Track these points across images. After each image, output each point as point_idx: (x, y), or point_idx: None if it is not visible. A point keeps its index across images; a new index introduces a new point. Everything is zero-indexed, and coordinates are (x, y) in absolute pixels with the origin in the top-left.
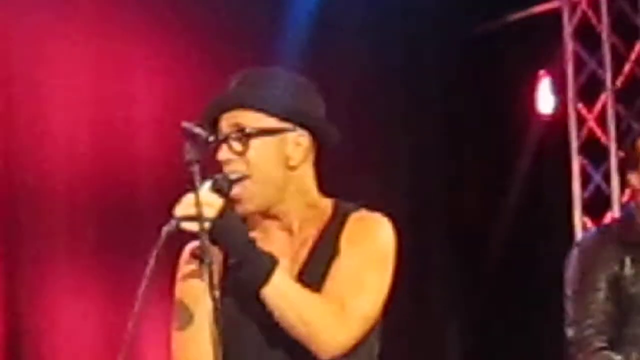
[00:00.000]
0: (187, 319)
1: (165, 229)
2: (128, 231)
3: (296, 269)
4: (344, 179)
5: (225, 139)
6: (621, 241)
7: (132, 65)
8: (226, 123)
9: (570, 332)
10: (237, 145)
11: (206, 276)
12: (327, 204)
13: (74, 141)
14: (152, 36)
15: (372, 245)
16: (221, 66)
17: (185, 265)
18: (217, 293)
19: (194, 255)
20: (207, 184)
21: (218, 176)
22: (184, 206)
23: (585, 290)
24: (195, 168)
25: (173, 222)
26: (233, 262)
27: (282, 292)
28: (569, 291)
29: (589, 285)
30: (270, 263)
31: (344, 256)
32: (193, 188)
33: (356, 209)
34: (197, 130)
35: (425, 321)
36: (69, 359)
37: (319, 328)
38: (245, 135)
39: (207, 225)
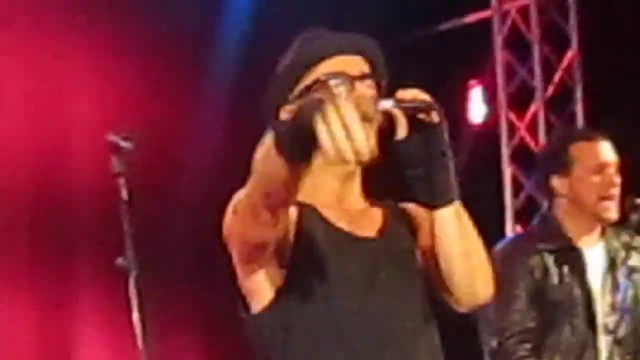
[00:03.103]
0: None
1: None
2: (61, 244)
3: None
4: None
5: (375, 77)
6: (542, 248)
7: (68, 77)
8: (352, 64)
9: (493, 342)
10: (370, 89)
11: None
12: None
13: (6, 154)
14: (87, 47)
15: None
16: (155, 77)
17: None
18: None
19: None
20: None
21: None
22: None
23: (508, 299)
24: (122, 181)
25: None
26: (418, 174)
27: (464, 213)
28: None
29: (511, 294)
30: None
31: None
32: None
33: None
34: (123, 143)
35: None
36: None
37: (484, 266)
38: (378, 83)
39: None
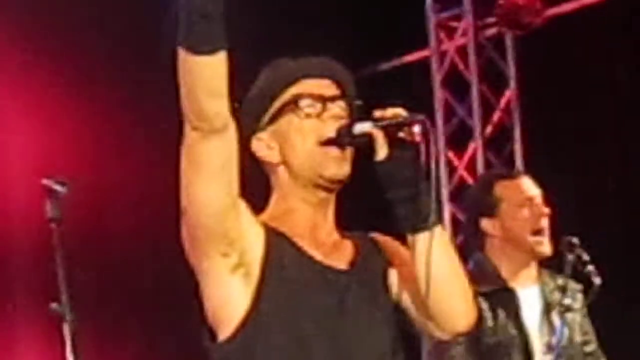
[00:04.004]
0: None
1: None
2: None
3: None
4: None
5: (347, 99)
6: (475, 292)
7: (2, 118)
8: (322, 86)
9: None
10: (342, 110)
11: None
12: None
13: None
14: (27, 83)
15: None
16: (89, 119)
17: None
18: None
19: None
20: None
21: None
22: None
23: (445, 346)
24: (55, 225)
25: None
26: (402, 196)
27: (446, 236)
28: (429, 346)
29: (448, 340)
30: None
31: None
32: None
33: None
34: (58, 187)
35: None
36: None
37: (466, 291)
38: (350, 104)
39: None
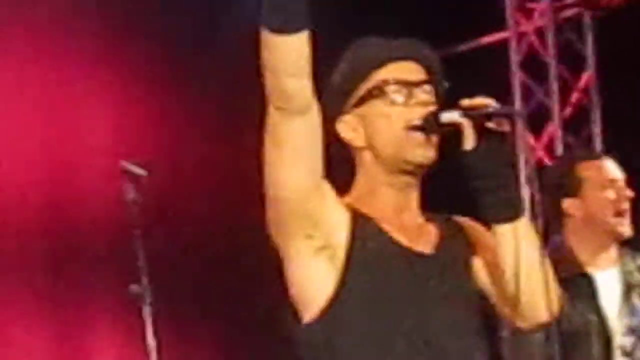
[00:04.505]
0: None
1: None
2: (77, 271)
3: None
4: None
5: (434, 83)
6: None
7: (81, 104)
8: (408, 70)
9: None
10: (429, 95)
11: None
12: None
13: (22, 184)
14: (100, 72)
15: None
16: (165, 104)
17: None
18: None
19: None
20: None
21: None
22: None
23: (524, 334)
24: (135, 209)
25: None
26: (488, 186)
27: (531, 227)
28: (505, 332)
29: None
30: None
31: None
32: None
33: None
34: (137, 169)
35: None
36: None
37: (549, 285)
38: (437, 88)
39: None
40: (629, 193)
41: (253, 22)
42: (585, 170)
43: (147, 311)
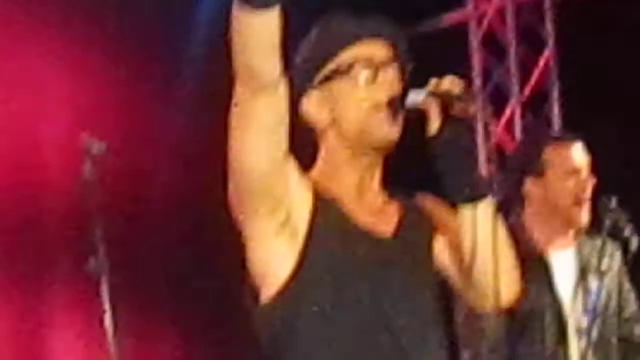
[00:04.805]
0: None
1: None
2: (33, 247)
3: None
4: None
5: (403, 64)
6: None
7: (43, 79)
8: (374, 49)
9: (466, 354)
10: (395, 74)
11: None
12: None
13: None
14: (64, 49)
15: None
16: (125, 79)
17: None
18: None
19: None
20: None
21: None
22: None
23: (478, 317)
24: (93, 185)
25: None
26: (451, 167)
27: (494, 209)
28: (459, 317)
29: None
30: None
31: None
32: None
33: None
34: (96, 146)
35: None
36: None
37: (511, 267)
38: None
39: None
40: (592, 181)
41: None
42: (552, 154)
43: (104, 286)
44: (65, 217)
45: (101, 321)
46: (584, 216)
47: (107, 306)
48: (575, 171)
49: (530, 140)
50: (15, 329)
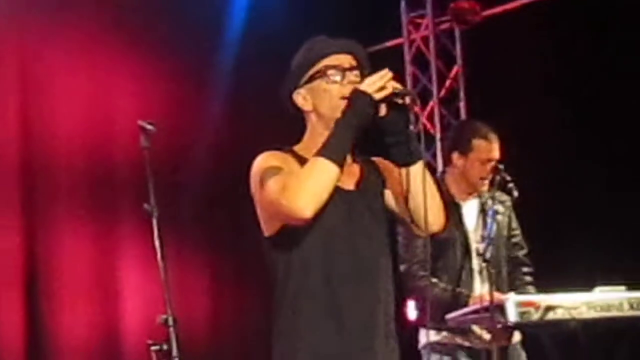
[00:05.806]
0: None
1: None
2: (107, 192)
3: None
4: None
5: (362, 71)
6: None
7: (111, 77)
8: (344, 60)
9: (402, 268)
10: (357, 77)
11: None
12: None
13: (71, 135)
14: (129, 58)
15: None
16: (173, 75)
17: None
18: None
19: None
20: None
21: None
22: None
23: (411, 239)
24: (147, 153)
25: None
26: (395, 140)
27: (425, 168)
28: (400, 238)
29: (413, 235)
30: None
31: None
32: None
33: None
34: (148, 126)
35: None
36: (72, 287)
37: (440, 203)
38: (363, 73)
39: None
40: (500, 167)
41: None
42: (479, 144)
43: (154, 222)
44: (130, 172)
45: (154, 250)
46: (485, 187)
47: (157, 242)
48: (490, 161)
49: (466, 127)
50: (91, 250)
